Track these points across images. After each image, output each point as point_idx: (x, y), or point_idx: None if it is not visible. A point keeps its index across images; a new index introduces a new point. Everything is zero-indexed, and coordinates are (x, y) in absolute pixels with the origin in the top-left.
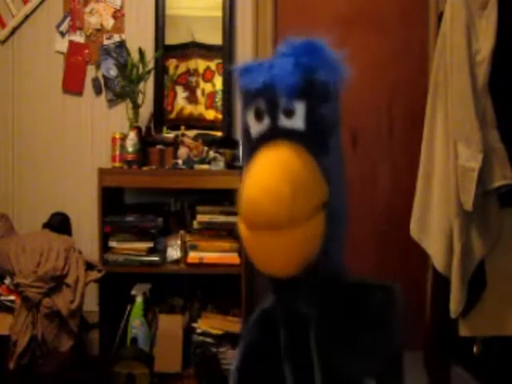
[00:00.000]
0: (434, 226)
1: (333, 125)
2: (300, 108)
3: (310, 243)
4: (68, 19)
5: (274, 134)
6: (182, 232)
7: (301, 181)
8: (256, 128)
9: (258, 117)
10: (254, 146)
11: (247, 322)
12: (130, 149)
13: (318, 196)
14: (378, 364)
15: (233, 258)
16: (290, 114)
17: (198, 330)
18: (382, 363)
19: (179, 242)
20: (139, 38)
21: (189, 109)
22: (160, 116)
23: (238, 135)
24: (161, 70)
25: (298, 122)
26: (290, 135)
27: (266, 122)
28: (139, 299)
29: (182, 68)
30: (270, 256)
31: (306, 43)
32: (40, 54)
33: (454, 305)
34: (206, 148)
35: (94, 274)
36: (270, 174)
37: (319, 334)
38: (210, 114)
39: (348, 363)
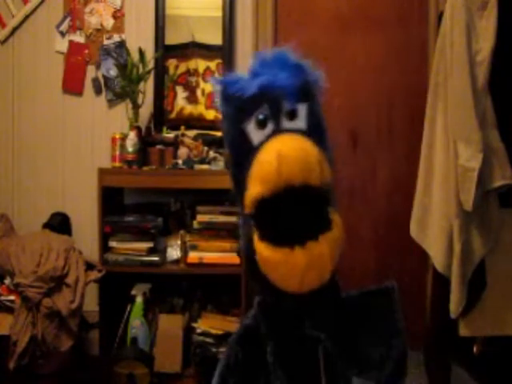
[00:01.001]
0: (434, 226)
1: (323, 121)
2: (302, 109)
3: (341, 244)
4: (68, 19)
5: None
6: (181, 232)
7: (320, 152)
8: (259, 136)
9: (261, 124)
10: (255, 152)
11: (230, 339)
12: (130, 149)
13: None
14: (385, 369)
15: (233, 258)
16: (293, 116)
17: (198, 330)
18: (389, 367)
19: (179, 242)
20: (139, 37)
21: (189, 109)
22: (160, 116)
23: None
24: (161, 70)
25: (300, 122)
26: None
27: (270, 127)
28: (139, 299)
29: (182, 68)
30: (309, 270)
31: (274, 57)
32: (40, 54)
33: (454, 305)
34: (205, 148)
35: (94, 274)
36: (296, 140)
37: (328, 353)
38: (210, 114)
39: (356, 375)
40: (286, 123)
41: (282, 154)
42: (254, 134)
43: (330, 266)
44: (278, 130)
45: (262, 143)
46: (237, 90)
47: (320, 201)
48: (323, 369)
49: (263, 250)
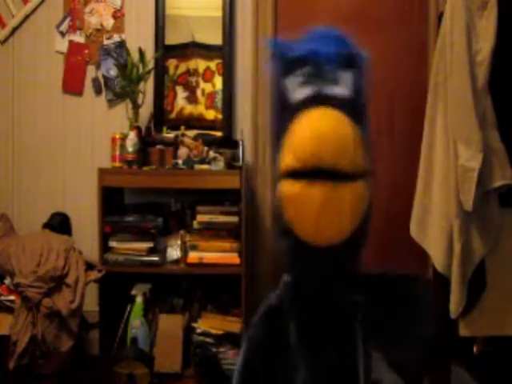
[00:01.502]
0: (434, 226)
1: (366, 98)
2: (346, 77)
3: (363, 203)
4: (68, 19)
5: (318, 101)
6: (181, 232)
7: (357, 135)
8: (299, 93)
9: (303, 82)
10: (294, 111)
11: (253, 319)
12: (130, 149)
13: (364, 159)
14: (417, 352)
15: (233, 258)
16: (336, 81)
17: (198, 330)
18: (420, 351)
19: (179, 242)
20: (139, 37)
21: (189, 109)
22: (160, 116)
23: (238, 135)
24: (161, 70)
25: (343, 89)
26: (333, 102)
27: (311, 88)
28: (139, 299)
29: (182, 68)
30: (325, 211)
31: (323, 31)
32: (40, 54)
33: (454, 305)
34: (206, 148)
35: (94, 274)
36: (332, 118)
37: (366, 322)
38: (210, 114)
39: (391, 350)
40: (327, 88)
41: (319, 135)
42: (295, 91)
43: (349, 218)
44: (318, 95)
45: (302, 103)
46: (286, 50)
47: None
48: (362, 344)
49: (284, 186)
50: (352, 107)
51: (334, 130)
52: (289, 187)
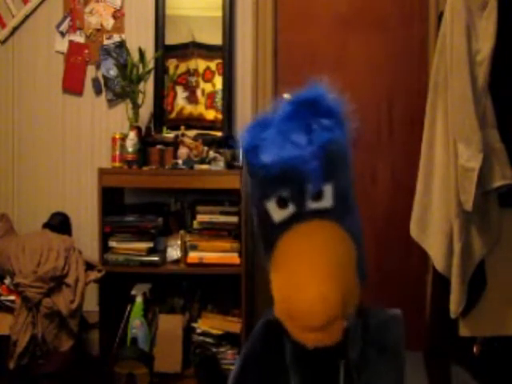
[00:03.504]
0: (434, 226)
1: (351, 188)
2: (328, 190)
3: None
4: (68, 19)
5: (302, 217)
6: (182, 232)
7: (346, 276)
8: (280, 214)
9: (282, 204)
10: (277, 230)
11: (251, 333)
12: (130, 149)
13: (355, 270)
14: None
15: (233, 258)
16: (319, 197)
17: (198, 330)
18: None
19: (179, 242)
20: (139, 37)
21: (189, 109)
22: (160, 116)
23: (238, 135)
24: (161, 70)
25: (326, 202)
26: (318, 214)
27: (291, 208)
28: (139, 299)
29: (182, 68)
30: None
31: (307, 98)
32: (40, 54)
33: (454, 305)
34: (206, 148)
35: (94, 274)
36: (320, 277)
37: (349, 367)
38: (210, 114)
39: None
40: (310, 203)
41: (303, 308)
42: (275, 212)
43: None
44: (300, 213)
45: (283, 222)
46: (260, 167)
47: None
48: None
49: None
50: (338, 211)
51: (323, 299)
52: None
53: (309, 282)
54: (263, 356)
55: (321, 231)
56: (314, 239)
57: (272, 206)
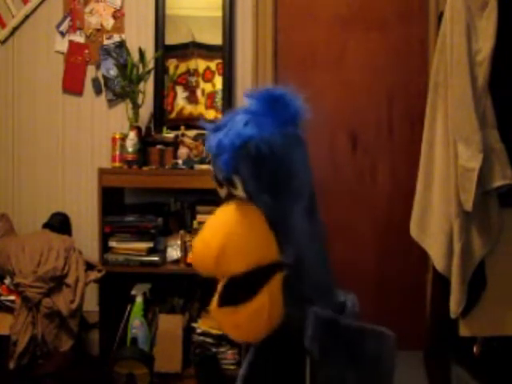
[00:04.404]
0: (434, 226)
1: (277, 183)
2: (237, 181)
3: (259, 318)
4: (68, 19)
5: (232, 199)
6: (182, 232)
7: (236, 236)
8: (221, 192)
9: (219, 184)
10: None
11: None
12: (130, 149)
13: (259, 255)
14: None
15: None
16: (232, 185)
17: (198, 330)
18: None
19: (179, 242)
20: (139, 37)
21: (189, 109)
22: (160, 116)
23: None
24: (161, 70)
25: (239, 191)
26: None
27: (224, 188)
28: (139, 299)
29: (182, 68)
30: (227, 331)
31: (262, 99)
32: (40, 54)
33: (454, 305)
34: (206, 148)
35: (94, 274)
36: (209, 227)
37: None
38: (210, 114)
39: None
40: (231, 189)
41: (192, 248)
42: (218, 190)
43: (255, 328)
44: (230, 194)
45: (225, 199)
46: (206, 147)
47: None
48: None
49: None
50: (257, 204)
51: (200, 242)
52: None
53: (201, 231)
54: (274, 347)
55: (233, 206)
56: (226, 209)
57: (216, 185)
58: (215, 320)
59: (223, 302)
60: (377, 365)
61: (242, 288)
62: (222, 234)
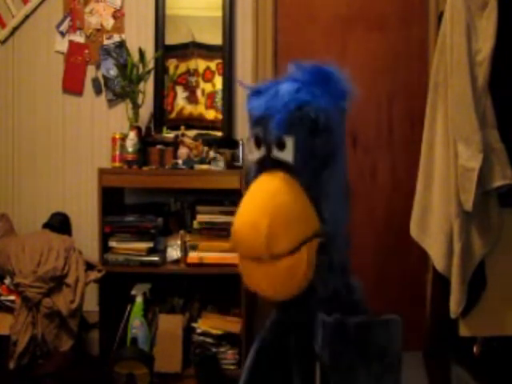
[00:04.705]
0: (434, 226)
1: (326, 156)
2: (289, 142)
3: (296, 274)
4: (68, 19)
5: (269, 163)
6: (182, 232)
7: (283, 215)
8: (255, 154)
9: (257, 144)
10: (255, 169)
11: (266, 322)
12: (130, 149)
13: (304, 229)
14: None
15: (233, 258)
16: (280, 146)
17: (198, 330)
18: None
19: (179, 242)
20: (139, 38)
21: (189, 109)
22: (160, 116)
23: (238, 135)
24: (161, 70)
25: (287, 155)
26: (282, 166)
27: (263, 150)
28: (139, 299)
29: (182, 68)
30: (257, 284)
31: (313, 71)
32: (40, 54)
33: (454, 305)
34: (205, 148)
35: (94, 274)
36: (253, 208)
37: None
38: (210, 114)
39: None
40: (276, 152)
41: (234, 231)
42: (253, 151)
43: (287, 284)
44: (268, 157)
45: (258, 164)
46: (249, 109)
47: None
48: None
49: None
50: (300, 171)
51: (246, 224)
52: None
53: (243, 212)
54: (273, 348)
55: (272, 180)
56: (264, 184)
57: (251, 145)
58: (248, 275)
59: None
60: (385, 353)
61: None
62: (269, 214)
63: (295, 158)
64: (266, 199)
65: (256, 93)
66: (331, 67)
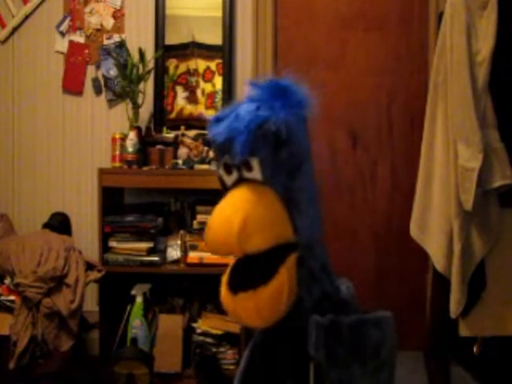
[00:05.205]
0: (434, 226)
1: (294, 166)
2: (255, 163)
3: (281, 299)
4: (68, 19)
5: (244, 180)
6: (182, 232)
7: (257, 213)
8: (228, 180)
9: (227, 171)
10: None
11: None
12: (130, 149)
13: (278, 232)
14: None
15: (233, 258)
16: (248, 168)
17: (198, 330)
18: None
19: (179, 242)
20: (139, 38)
21: (189, 109)
22: (160, 116)
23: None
24: (161, 70)
25: (256, 174)
26: (255, 182)
27: (235, 174)
28: (139, 299)
29: (182, 68)
30: (245, 318)
31: (269, 86)
32: (40, 53)
33: (454, 305)
34: (206, 148)
35: (94, 274)
36: (228, 207)
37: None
38: (210, 114)
39: None
40: (245, 173)
41: (208, 228)
42: (225, 178)
43: (273, 310)
44: (240, 179)
45: (231, 187)
46: (211, 136)
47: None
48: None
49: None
50: (272, 185)
51: (221, 220)
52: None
53: (217, 211)
54: (267, 352)
55: (247, 187)
56: (240, 190)
57: (222, 172)
58: (228, 310)
59: (238, 288)
60: (379, 350)
61: (258, 270)
62: (243, 210)
63: (264, 175)
64: (241, 199)
65: (216, 121)
66: (287, 80)
